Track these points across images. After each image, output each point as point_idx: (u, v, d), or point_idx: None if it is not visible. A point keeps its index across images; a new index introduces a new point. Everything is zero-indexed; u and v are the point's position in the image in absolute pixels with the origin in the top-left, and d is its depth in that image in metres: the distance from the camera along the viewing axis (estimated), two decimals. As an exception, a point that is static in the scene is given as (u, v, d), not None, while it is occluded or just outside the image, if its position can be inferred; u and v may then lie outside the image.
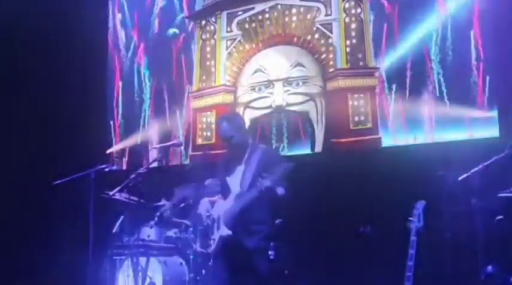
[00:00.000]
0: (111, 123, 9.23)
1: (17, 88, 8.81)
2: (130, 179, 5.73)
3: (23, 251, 8.17)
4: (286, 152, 8.17)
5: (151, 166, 6.10)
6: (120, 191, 6.75)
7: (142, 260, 6.31)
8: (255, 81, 8.56)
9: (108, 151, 9.05)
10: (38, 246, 8.08)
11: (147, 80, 9.25)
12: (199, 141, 8.76)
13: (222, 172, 5.73)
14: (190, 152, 8.68)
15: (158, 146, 5.86)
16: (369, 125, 7.83)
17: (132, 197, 6.68)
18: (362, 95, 7.94)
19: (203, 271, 6.88)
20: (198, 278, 6.88)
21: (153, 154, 8.41)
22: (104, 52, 9.41)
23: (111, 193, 6.17)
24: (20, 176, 8.42)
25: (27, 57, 8.90)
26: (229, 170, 5.66)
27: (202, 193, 7.32)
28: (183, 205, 7.30)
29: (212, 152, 8.39)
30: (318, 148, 8.10)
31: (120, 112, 9.25)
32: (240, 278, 5.62)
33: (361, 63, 8.04)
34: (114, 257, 6.97)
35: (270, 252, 5.04)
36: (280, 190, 5.23)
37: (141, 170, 5.74)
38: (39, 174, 7.95)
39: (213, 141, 8.69)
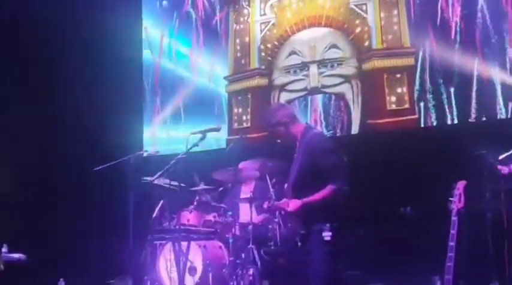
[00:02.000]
0: (150, 106, 9.28)
1: (55, 77, 8.92)
2: (171, 165, 5.76)
3: (66, 238, 8.31)
4: (322, 134, 8.14)
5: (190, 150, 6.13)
6: (160, 176, 6.82)
7: (183, 244, 6.36)
8: (290, 63, 8.53)
9: (145, 136, 9.12)
10: (80, 233, 8.20)
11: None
12: (236, 125, 8.78)
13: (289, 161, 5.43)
14: (227, 137, 8.70)
15: (197, 131, 5.87)
16: (406, 105, 7.77)
17: (171, 182, 6.73)
18: (398, 75, 7.87)
19: (243, 255, 6.95)
20: (237, 261, 6.94)
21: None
22: (140, 34, 9.44)
23: (151, 178, 6.21)
24: (62, 164, 8.54)
25: (63, 47, 9.00)
26: (292, 159, 5.35)
27: (240, 176, 7.36)
28: (221, 189, 7.35)
29: (248, 136, 8.41)
30: (355, 129, 8.06)
31: (158, 96, 9.28)
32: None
33: (396, 43, 7.96)
34: (155, 242, 7.05)
35: (325, 234, 4.98)
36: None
37: (181, 155, 5.76)
38: (80, 161, 8.05)
39: (249, 124, 8.70)
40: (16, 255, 7.65)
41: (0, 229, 7.27)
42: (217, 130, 5.98)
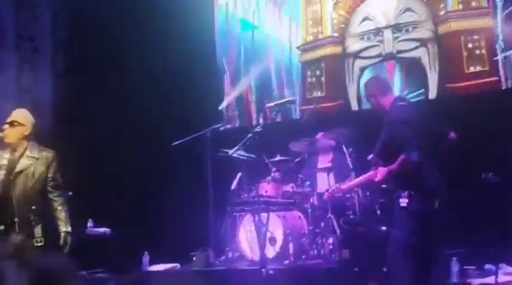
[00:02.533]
0: (222, 79, 9.31)
1: (132, 52, 9.05)
2: (248, 138, 5.78)
3: (148, 212, 8.49)
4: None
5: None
6: (237, 149, 6.87)
7: (263, 215, 6.41)
8: (363, 29, 8.39)
9: (220, 107, 9.17)
10: (162, 207, 8.37)
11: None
12: (309, 95, 8.72)
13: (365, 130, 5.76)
14: (301, 107, 8.66)
15: (273, 104, 5.87)
16: (486, 67, 7.53)
17: (248, 154, 6.77)
18: (476, 37, 7.63)
19: (322, 224, 6.96)
20: (317, 230, 6.96)
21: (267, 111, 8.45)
22: (211, 9, 9.45)
23: (230, 152, 6.26)
24: (142, 139, 8.70)
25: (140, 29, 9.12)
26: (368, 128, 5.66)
27: (316, 147, 7.34)
28: (297, 159, 7.36)
29: (323, 105, 8.35)
30: (432, 94, 7.88)
31: (228, 69, 9.30)
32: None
33: (473, 4, 7.70)
34: (235, 213, 7.14)
35: (402, 200, 5.03)
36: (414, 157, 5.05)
37: (257, 129, 5.78)
38: (160, 136, 8.18)
39: (323, 93, 8.63)
40: (101, 230, 7.91)
41: (86, 205, 7.50)
42: (293, 102, 5.99)
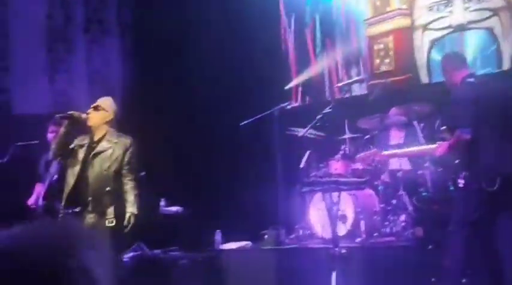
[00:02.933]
0: (288, 59, 9.27)
1: (199, 34, 9.10)
2: (317, 120, 5.74)
3: (219, 191, 8.57)
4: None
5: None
6: (305, 126, 6.85)
7: (334, 193, 6.37)
8: (432, 0, 8.15)
9: (286, 87, 9.14)
10: (233, 186, 8.43)
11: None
12: (377, 69, 8.57)
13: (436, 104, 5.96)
14: (369, 82, 8.52)
15: (341, 84, 5.81)
16: None
17: (317, 133, 6.74)
18: (554, 3, 7.33)
19: (393, 201, 6.88)
20: (388, 207, 6.89)
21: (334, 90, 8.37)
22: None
23: (300, 133, 6.23)
24: (212, 120, 8.77)
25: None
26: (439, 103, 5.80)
27: (387, 123, 7.24)
28: (367, 136, 7.27)
29: (392, 79, 8.20)
30: (506, 65, 7.63)
31: (295, 47, 9.24)
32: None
33: (549, -32, 7.39)
34: (304, 192, 7.13)
35: (459, 180, 5.03)
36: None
37: (327, 110, 5.72)
38: (228, 116, 8.21)
39: (392, 67, 8.46)
40: (174, 208, 8.04)
41: (159, 184, 7.63)
42: (362, 81, 5.91)
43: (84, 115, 5.56)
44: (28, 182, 7.52)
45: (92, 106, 5.65)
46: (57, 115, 5.77)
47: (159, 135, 8.50)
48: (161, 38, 9.00)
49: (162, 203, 8.11)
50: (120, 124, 5.84)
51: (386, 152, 5.69)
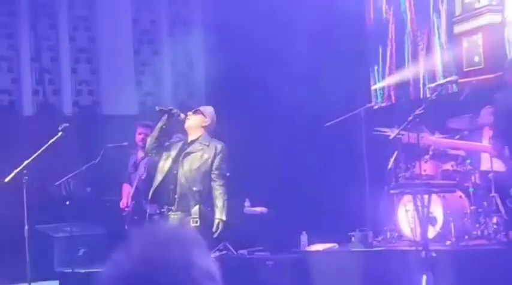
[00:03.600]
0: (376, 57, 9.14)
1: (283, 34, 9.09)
2: (409, 122, 5.63)
3: (305, 192, 8.55)
4: None
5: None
6: (391, 126, 6.75)
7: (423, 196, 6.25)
8: (525, -5, 7.87)
9: (372, 88, 9.02)
10: (319, 186, 8.39)
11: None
12: (466, 67, 8.34)
13: None
14: (458, 81, 8.28)
15: (433, 85, 5.69)
16: None
17: (404, 133, 6.62)
18: None
19: (485, 203, 6.69)
20: (479, 210, 6.70)
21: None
22: None
23: (391, 134, 6.12)
24: (297, 120, 8.75)
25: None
26: None
27: (476, 123, 7.04)
28: (457, 137, 7.09)
29: (482, 77, 7.97)
30: None
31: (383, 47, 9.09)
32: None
33: None
34: (392, 193, 7.02)
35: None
36: None
37: (419, 110, 5.59)
38: (314, 116, 8.18)
39: (482, 65, 8.22)
40: (259, 209, 8.07)
41: (244, 185, 7.68)
42: (454, 81, 5.77)
43: (182, 115, 5.74)
44: (119, 183, 7.72)
45: (193, 110, 5.84)
46: (157, 107, 5.93)
47: (243, 135, 8.55)
48: (245, 38, 9.04)
49: (247, 203, 8.16)
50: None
51: (433, 138, 5.51)
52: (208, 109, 5.95)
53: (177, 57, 10.42)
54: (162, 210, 5.67)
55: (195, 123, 5.80)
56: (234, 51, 9.34)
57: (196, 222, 5.52)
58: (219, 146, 5.77)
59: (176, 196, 5.61)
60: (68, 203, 7.87)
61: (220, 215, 5.62)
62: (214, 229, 5.59)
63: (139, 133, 7.15)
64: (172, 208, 5.62)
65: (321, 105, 8.40)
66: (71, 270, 7.33)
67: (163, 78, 10.47)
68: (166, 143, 5.79)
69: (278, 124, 8.82)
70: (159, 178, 5.70)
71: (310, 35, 8.76)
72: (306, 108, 8.63)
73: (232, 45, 9.39)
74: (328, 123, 7.22)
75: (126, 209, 7.04)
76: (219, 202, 5.63)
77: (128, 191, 7.12)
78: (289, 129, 8.74)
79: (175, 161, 5.70)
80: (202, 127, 5.82)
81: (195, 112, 5.83)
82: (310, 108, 8.56)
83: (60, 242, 8.53)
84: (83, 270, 7.23)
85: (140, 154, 7.02)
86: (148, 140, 5.88)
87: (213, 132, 5.99)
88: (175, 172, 5.68)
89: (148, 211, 5.85)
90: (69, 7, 10.06)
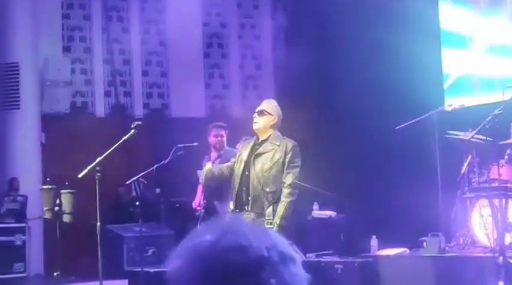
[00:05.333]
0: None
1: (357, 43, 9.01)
2: (486, 122, 5.47)
3: (375, 196, 8.43)
4: None
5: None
6: (465, 130, 6.57)
7: (499, 200, 6.06)
8: None
9: (446, 87, 8.82)
10: (389, 190, 8.26)
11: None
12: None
13: None
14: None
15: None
16: None
17: (478, 136, 6.44)
18: None
19: None
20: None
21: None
22: None
23: (456, 133, 5.95)
24: (365, 123, 8.65)
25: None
26: None
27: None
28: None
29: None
30: None
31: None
32: None
33: None
34: (465, 197, 6.84)
35: None
36: None
37: (497, 111, 5.43)
38: (383, 120, 8.06)
39: None
40: (327, 213, 7.98)
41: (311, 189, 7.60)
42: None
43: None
44: (188, 183, 7.77)
45: (256, 110, 5.75)
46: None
47: (313, 137, 8.49)
48: (314, 40, 8.99)
49: (315, 207, 8.08)
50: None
51: None
52: (272, 105, 5.80)
53: (246, 60, 10.45)
54: (236, 210, 5.64)
55: (263, 125, 5.69)
56: (303, 53, 9.30)
57: (271, 223, 5.45)
58: (290, 144, 5.66)
59: (250, 198, 5.56)
60: (137, 203, 7.98)
61: (277, 218, 5.48)
62: None
63: (213, 135, 7.16)
64: (247, 207, 5.57)
65: (392, 107, 8.27)
66: (140, 269, 7.41)
67: (232, 80, 10.52)
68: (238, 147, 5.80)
69: (347, 127, 8.72)
70: (236, 181, 5.67)
71: (383, 34, 8.65)
72: (377, 111, 8.51)
73: (301, 48, 9.35)
74: (400, 126, 7.08)
75: (198, 208, 7.06)
76: (279, 206, 5.51)
77: (200, 191, 7.15)
78: (359, 131, 8.64)
79: (247, 162, 5.66)
80: (271, 126, 5.72)
81: (260, 114, 5.70)
82: (381, 110, 8.44)
83: (130, 242, 8.65)
84: (152, 270, 7.29)
85: (214, 155, 7.02)
86: (204, 172, 5.90)
87: (282, 125, 5.86)
88: (246, 173, 5.65)
89: (219, 210, 5.85)
90: (141, 11, 10.23)
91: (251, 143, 5.77)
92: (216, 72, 10.53)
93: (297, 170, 5.66)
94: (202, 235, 1.27)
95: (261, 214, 5.51)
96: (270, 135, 5.70)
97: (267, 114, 5.68)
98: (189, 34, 10.17)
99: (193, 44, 10.24)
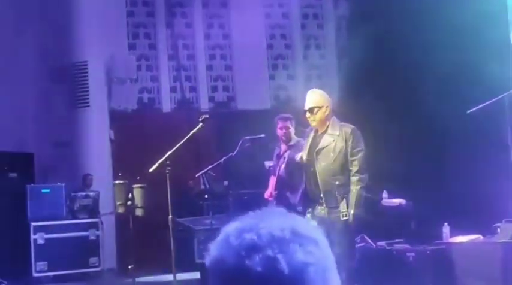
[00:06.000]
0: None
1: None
2: None
3: (444, 182, 8.28)
4: None
5: None
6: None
7: None
8: None
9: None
10: (459, 176, 8.10)
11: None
12: None
13: None
14: None
15: None
16: None
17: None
18: None
19: None
20: None
21: None
22: None
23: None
24: (436, 107, 8.48)
25: None
26: None
27: None
28: None
29: None
30: None
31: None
32: None
33: None
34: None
35: None
36: None
37: None
38: (454, 103, 7.89)
39: None
40: (397, 201, 7.88)
41: (381, 175, 7.52)
42: None
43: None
44: (256, 174, 7.79)
45: (306, 108, 5.61)
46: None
47: (379, 125, 8.39)
48: (378, 27, 8.87)
49: (385, 195, 7.98)
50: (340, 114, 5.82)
51: None
52: (319, 99, 5.60)
53: (309, 50, 10.41)
54: (308, 206, 5.58)
55: (319, 120, 5.53)
56: (366, 42, 9.19)
57: (346, 216, 5.38)
58: (349, 130, 5.50)
59: (321, 193, 5.49)
60: (206, 196, 8.05)
61: (352, 207, 5.40)
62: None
63: (279, 128, 7.11)
64: (320, 201, 5.49)
65: (461, 91, 8.10)
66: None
67: (296, 71, 10.49)
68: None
69: (419, 110, 8.57)
70: (304, 176, 5.63)
71: (450, 19, 8.47)
72: (445, 96, 8.34)
73: (365, 36, 9.24)
74: (472, 109, 6.91)
75: (270, 199, 7.06)
76: (352, 195, 5.42)
77: (272, 182, 7.14)
78: (430, 115, 8.47)
79: (310, 159, 5.58)
80: (325, 117, 5.53)
81: (310, 111, 5.53)
82: (450, 95, 8.27)
83: (201, 235, 8.75)
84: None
85: (283, 147, 6.99)
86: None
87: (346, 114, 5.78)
88: (312, 169, 5.57)
89: (291, 201, 5.81)
90: (204, 5, 10.31)
91: (310, 138, 5.66)
92: (279, 63, 10.52)
93: (361, 155, 5.52)
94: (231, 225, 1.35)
95: (334, 208, 5.43)
96: (327, 126, 5.57)
97: (317, 109, 5.55)
98: (251, 26, 10.20)
99: (256, 36, 10.26)
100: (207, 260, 1.36)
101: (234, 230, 1.31)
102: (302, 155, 5.71)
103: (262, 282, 1.25)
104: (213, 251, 1.35)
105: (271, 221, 1.31)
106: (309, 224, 1.36)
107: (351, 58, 9.38)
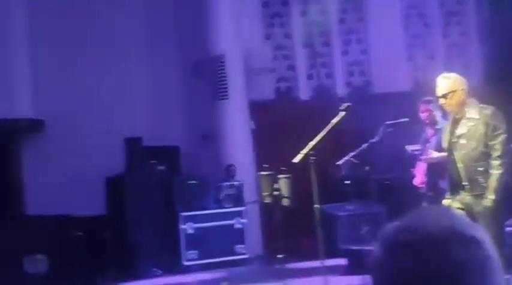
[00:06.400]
0: None
1: None
2: None
3: None
4: None
5: None
6: None
7: None
8: None
9: None
10: None
11: None
12: None
13: None
14: None
15: None
16: None
17: None
18: None
19: None
20: None
21: None
22: None
23: None
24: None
25: None
26: None
27: None
28: None
29: None
30: None
31: None
32: None
33: None
34: None
35: None
36: None
37: None
38: None
39: None
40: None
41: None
42: None
43: None
44: (398, 159, 7.65)
45: (439, 96, 5.23)
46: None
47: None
48: None
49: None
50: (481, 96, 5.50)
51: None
52: (451, 84, 5.16)
53: (449, 28, 10.05)
54: (453, 195, 5.37)
55: (455, 104, 5.17)
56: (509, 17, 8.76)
57: (491, 202, 5.15)
58: (489, 113, 5.12)
59: (465, 181, 5.26)
60: (348, 182, 8.01)
61: (488, 194, 5.12)
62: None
63: (421, 111, 6.88)
64: (466, 187, 5.27)
65: None
66: (356, 248, 7.44)
67: (436, 50, 10.18)
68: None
69: None
70: (448, 164, 5.42)
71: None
72: None
73: (507, 12, 8.81)
74: None
75: (421, 186, 6.88)
76: (490, 180, 5.13)
77: (421, 168, 6.94)
78: None
79: (450, 146, 5.36)
80: (462, 101, 5.14)
81: (444, 98, 5.14)
82: None
83: (343, 220, 8.74)
84: (367, 248, 7.28)
85: (430, 131, 6.76)
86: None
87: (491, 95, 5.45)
88: (452, 157, 5.35)
89: (442, 187, 5.62)
90: (337, -10, 10.24)
91: (449, 124, 5.40)
92: (418, 43, 10.24)
93: (503, 137, 5.18)
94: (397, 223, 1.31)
95: (480, 194, 5.19)
96: (465, 110, 5.27)
97: (451, 93, 5.17)
98: (386, 7, 10.00)
99: (391, 16, 10.04)
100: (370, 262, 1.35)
101: (392, 230, 1.30)
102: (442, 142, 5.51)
103: (420, 283, 1.23)
104: (374, 252, 1.34)
105: (430, 220, 1.28)
106: (469, 223, 1.32)
107: (493, 33, 8.96)
